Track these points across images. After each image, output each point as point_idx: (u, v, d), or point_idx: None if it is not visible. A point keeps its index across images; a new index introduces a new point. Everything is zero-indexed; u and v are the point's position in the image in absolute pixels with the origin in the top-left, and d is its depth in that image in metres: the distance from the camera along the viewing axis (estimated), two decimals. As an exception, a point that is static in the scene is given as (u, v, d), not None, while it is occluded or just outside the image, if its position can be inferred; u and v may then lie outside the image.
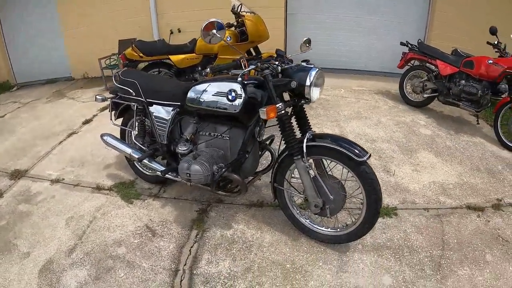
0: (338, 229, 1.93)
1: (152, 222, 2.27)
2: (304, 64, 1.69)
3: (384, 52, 5.54)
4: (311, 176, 1.76)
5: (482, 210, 2.40)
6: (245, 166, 1.96)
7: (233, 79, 1.76)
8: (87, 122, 4.05)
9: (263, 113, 1.63)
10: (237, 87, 1.72)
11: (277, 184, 1.97)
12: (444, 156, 3.18)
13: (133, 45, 3.83)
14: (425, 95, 4.20)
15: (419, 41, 4.23)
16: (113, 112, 2.58)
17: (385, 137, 3.50)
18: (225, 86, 1.76)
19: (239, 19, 3.56)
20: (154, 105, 2.19)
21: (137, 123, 2.39)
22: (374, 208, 1.69)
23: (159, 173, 2.27)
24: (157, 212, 2.37)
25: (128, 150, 2.43)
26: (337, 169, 1.90)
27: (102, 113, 4.28)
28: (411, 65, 4.41)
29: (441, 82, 3.93)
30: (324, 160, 1.87)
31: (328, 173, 1.88)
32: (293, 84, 1.62)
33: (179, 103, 2.06)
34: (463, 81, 3.68)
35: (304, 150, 1.67)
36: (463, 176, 2.84)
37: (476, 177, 2.83)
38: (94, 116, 4.22)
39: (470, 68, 3.63)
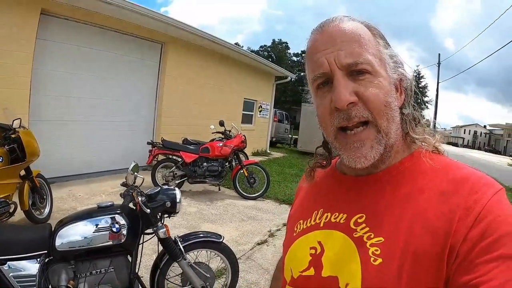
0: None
1: None
2: (165, 186, 2.28)
3: (127, 150, 6.43)
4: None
5: (267, 241, 3.88)
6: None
7: (109, 211, 1.99)
8: None
9: (163, 232, 2.06)
10: (119, 218, 1.96)
11: None
12: (218, 221, 4.49)
13: None
14: (177, 181, 5.50)
15: (162, 139, 5.53)
16: None
17: (173, 225, 4.32)
18: (105, 220, 1.94)
19: (11, 135, 3.09)
20: (8, 262, 1.80)
21: None
22: (237, 266, 2.57)
23: None
24: None
25: None
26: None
27: None
28: (156, 159, 5.60)
29: (187, 168, 5.39)
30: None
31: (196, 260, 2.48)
32: (168, 204, 2.13)
33: (45, 251, 1.87)
34: (205, 163, 5.35)
35: (183, 251, 2.23)
36: (239, 228, 4.26)
37: (247, 225, 4.35)
38: None
39: (207, 152, 5.39)
